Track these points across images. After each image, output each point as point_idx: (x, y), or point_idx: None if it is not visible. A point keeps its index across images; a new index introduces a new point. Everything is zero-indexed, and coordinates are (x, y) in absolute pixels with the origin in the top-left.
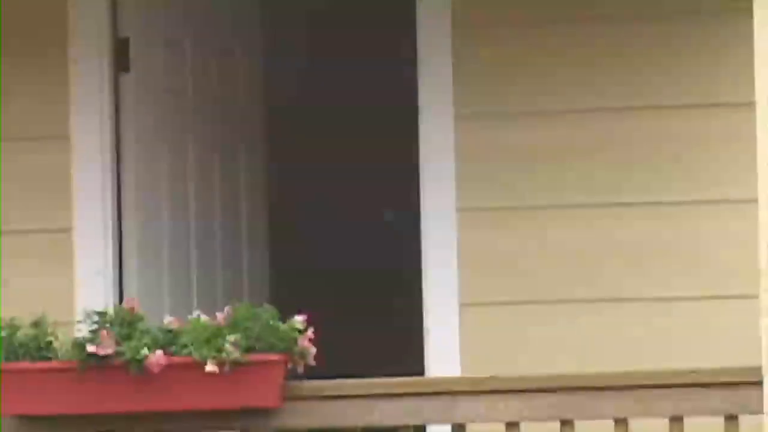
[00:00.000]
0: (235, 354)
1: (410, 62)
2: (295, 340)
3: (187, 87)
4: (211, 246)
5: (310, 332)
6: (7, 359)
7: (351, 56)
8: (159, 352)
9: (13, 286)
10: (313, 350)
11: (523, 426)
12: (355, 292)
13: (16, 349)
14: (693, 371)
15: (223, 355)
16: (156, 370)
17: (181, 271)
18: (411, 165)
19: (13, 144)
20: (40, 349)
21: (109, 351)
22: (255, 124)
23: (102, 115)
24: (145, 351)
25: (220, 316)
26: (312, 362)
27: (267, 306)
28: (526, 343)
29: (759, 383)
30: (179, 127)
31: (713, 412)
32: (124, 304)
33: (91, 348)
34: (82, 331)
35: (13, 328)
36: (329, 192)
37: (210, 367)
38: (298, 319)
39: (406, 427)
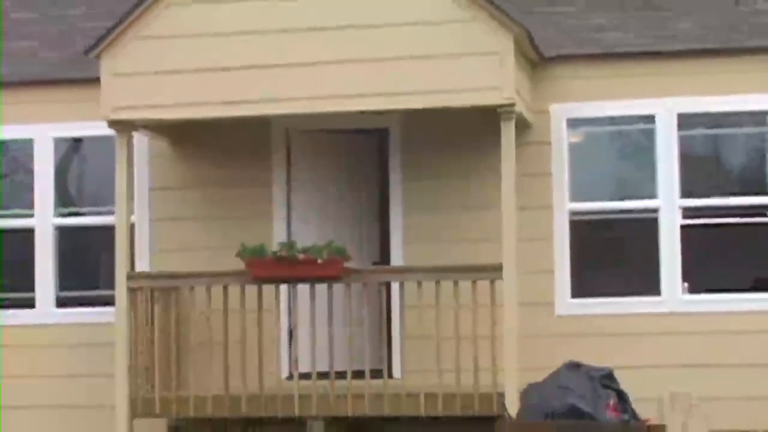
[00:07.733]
0: (326, 256)
1: None
2: (346, 251)
3: (332, 168)
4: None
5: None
6: (243, 255)
7: None
8: (303, 255)
9: (251, 232)
10: (351, 257)
11: (423, 284)
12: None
13: (250, 252)
14: (482, 264)
15: (323, 256)
16: (301, 260)
17: (327, 226)
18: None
19: (242, 189)
20: (262, 252)
21: (285, 254)
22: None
23: (281, 171)
24: (297, 254)
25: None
26: (351, 259)
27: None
28: (426, 254)
29: (501, 268)
30: (326, 171)
31: (486, 278)
32: (289, 239)
33: (279, 254)
34: (275, 247)
35: (245, 246)
36: None
37: (319, 261)
38: (345, 247)
39: (383, 282)
